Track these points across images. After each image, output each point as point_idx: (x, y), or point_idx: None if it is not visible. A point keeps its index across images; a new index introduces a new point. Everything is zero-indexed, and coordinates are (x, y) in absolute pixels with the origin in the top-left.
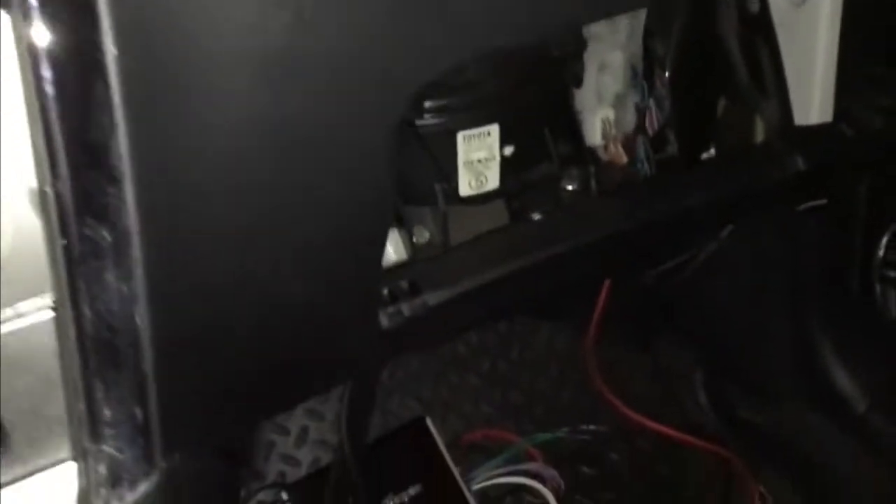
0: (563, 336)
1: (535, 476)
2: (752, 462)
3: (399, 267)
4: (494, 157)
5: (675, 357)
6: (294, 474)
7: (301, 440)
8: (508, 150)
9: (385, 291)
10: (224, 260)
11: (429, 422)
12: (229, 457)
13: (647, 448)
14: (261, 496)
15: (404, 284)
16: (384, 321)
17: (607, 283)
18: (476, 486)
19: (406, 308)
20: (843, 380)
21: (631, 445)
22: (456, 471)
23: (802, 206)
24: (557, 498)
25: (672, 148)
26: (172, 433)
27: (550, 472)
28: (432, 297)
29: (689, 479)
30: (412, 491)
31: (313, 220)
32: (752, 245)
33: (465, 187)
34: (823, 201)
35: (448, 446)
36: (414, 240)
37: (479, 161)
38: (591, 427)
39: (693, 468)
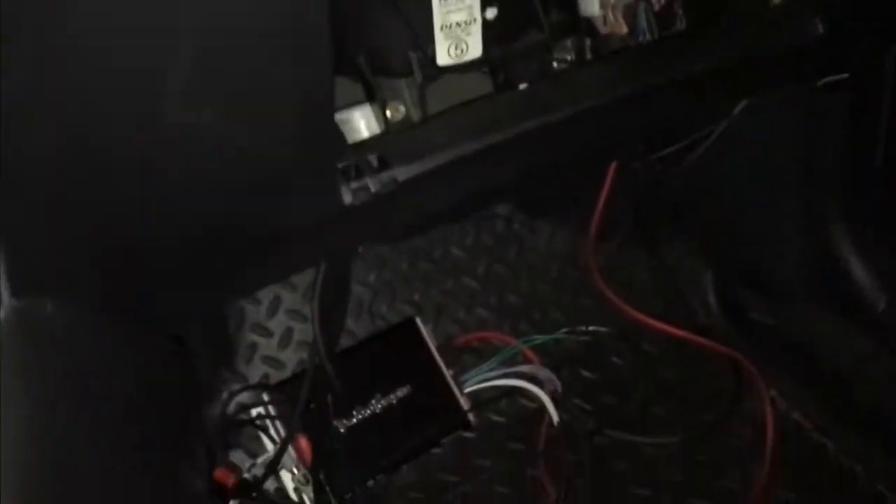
0: (563, 236)
1: (530, 378)
2: (764, 366)
3: (368, 141)
4: (475, 21)
5: (682, 256)
6: (279, 378)
7: (285, 341)
8: (491, 14)
9: (351, 166)
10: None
11: (419, 322)
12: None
13: (651, 350)
14: (241, 398)
15: (373, 159)
16: (347, 197)
17: (609, 176)
18: (468, 389)
19: (373, 183)
20: (861, 275)
21: (634, 348)
22: (447, 372)
23: (822, 82)
24: (554, 401)
25: (680, 23)
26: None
27: (547, 374)
28: (402, 172)
29: (695, 384)
30: (401, 392)
31: (240, 58)
32: (766, 127)
33: (444, 56)
34: (845, 75)
35: (439, 349)
36: (388, 115)
37: (459, 25)
38: (592, 328)
39: (700, 372)
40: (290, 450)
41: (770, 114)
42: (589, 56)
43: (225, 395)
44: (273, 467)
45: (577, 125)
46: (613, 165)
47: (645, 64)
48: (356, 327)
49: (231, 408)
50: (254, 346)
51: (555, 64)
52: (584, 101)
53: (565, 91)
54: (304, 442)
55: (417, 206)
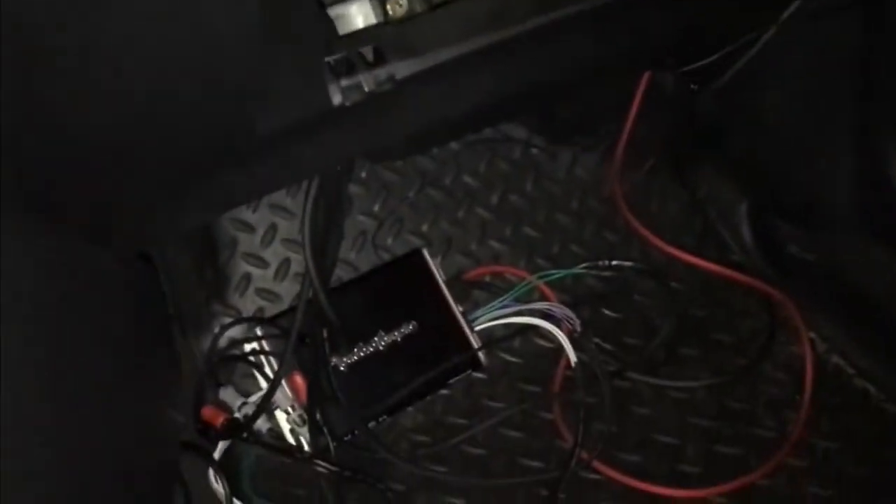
0: (585, 162)
1: (546, 316)
2: (802, 305)
3: (362, 31)
4: None
5: (714, 186)
6: (274, 311)
7: (282, 273)
8: None
9: (342, 61)
10: None
11: (426, 253)
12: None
13: (679, 288)
14: (233, 332)
15: (367, 52)
16: (336, 96)
17: (637, 96)
18: (479, 327)
19: (366, 80)
20: None
21: (660, 284)
22: (457, 308)
23: None
24: (572, 341)
25: None
26: None
27: (565, 312)
28: (402, 68)
29: (727, 324)
30: (406, 329)
31: None
32: (820, 35)
33: None
34: None
35: (448, 284)
36: (389, 11)
37: None
38: (615, 263)
39: (732, 311)
40: (286, 388)
41: (826, 18)
42: None
43: (216, 328)
44: (264, 406)
45: (600, 22)
46: (642, 84)
47: None
48: (358, 260)
49: (222, 342)
50: (248, 278)
51: None
52: None
53: None
54: (299, 380)
55: (419, 111)
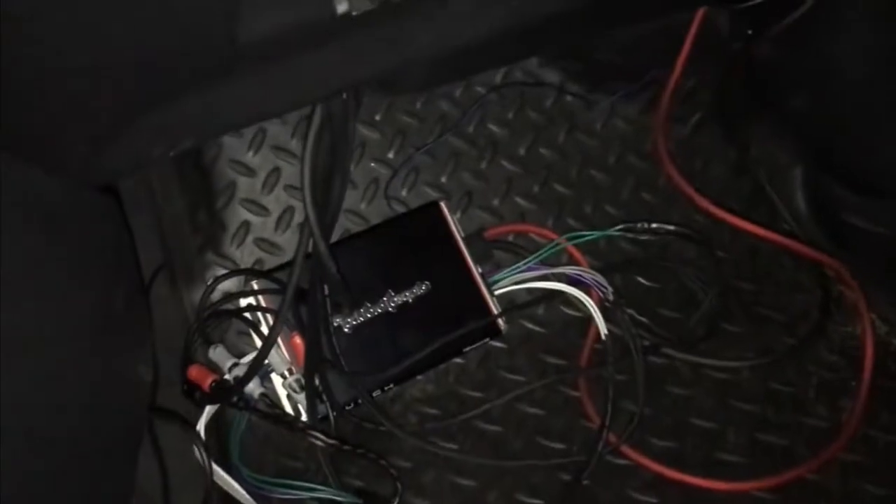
0: (626, 113)
1: (575, 282)
2: (864, 282)
3: None
4: None
5: (768, 146)
6: (274, 264)
7: (284, 222)
8: None
9: None
10: None
11: (444, 206)
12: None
13: (725, 256)
14: (227, 285)
15: None
16: (341, 2)
17: (687, 41)
18: (500, 291)
19: None
20: None
21: (704, 251)
22: (476, 269)
23: None
24: (603, 311)
25: None
26: None
27: (596, 279)
28: None
29: (777, 298)
30: (418, 290)
31: None
32: None
33: None
34: None
35: (468, 241)
36: None
37: None
38: (655, 225)
39: (783, 285)
40: (283, 350)
41: None
42: None
43: (209, 280)
44: (256, 368)
45: None
46: (695, 22)
47: None
48: (368, 211)
49: (214, 296)
50: (246, 226)
51: None
52: None
53: None
54: (298, 341)
55: (441, 28)
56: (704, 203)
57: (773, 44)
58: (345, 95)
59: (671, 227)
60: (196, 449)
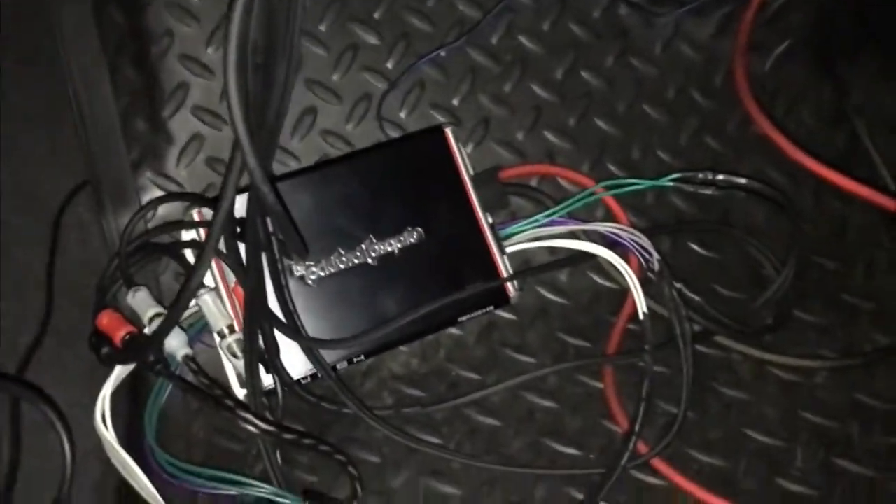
0: (694, 35)
1: (612, 244)
2: None
3: None
4: None
5: (873, 90)
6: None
7: None
8: None
9: None
10: None
11: (450, 134)
12: None
13: (807, 226)
14: (162, 211)
15: None
16: None
17: None
18: (514, 248)
19: None
20: None
21: (781, 215)
22: (485, 218)
23: None
24: (643, 282)
25: None
26: None
27: (638, 241)
28: None
29: (868, 284)
30: (407, 238)
31: None
32: None
33: None
34: None
35: (479, 181)
36: None
37: None
38: (721, 178)
39: (878, 265)
40: (224, 300)
41: None
42: None
43: (140, 204)
44: (173, 318)
45: None
46: None
47: None
48: (355, 134)
49: (147, 224)
50: (199, 140)
51: None
52: None
53: None
54: (241, 291)
55: None
56: (793, 151)
57: None
58: None
59: (742, 181)
60: (102, 421)
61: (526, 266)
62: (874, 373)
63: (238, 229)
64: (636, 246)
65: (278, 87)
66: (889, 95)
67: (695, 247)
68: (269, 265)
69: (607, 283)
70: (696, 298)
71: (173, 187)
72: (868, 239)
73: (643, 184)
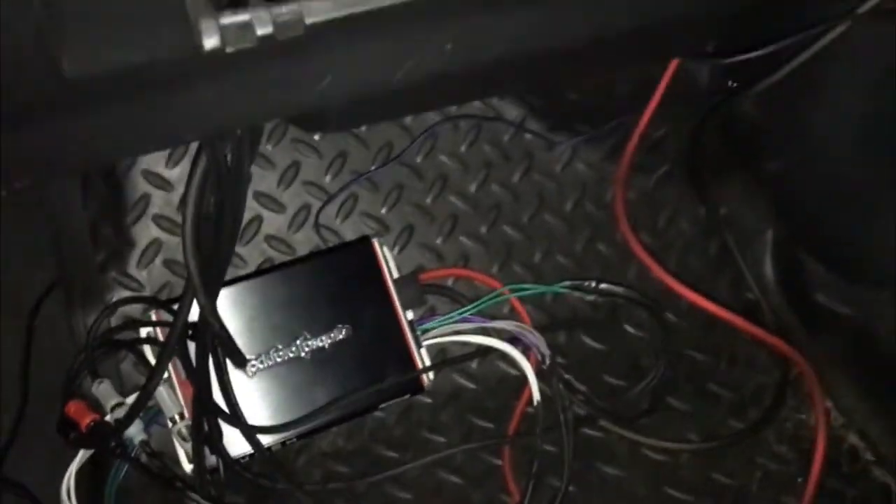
0: (588, 157)
1: (514, 340)
2: (824, 367)
3: None
4: None
5: (738, 206)
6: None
7: None
8: None
9: None
10: None
11: (376, 243)
12: None
13: (679, 324)
14: (127, 311)
15: None
16: (211, 37)
17: (661, 85)
18: (431, 341)
19: (259, 20)
20: None
21: (657, 318)
22: (404, 315)
23: None
24: (539, 374)
25: None
26: None
27: (535, 338)
28: (316, 8)
29: (730, 375)
30: (337, 334)
31: None
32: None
33: None
34: None
35: (401, 283)
36: None
37: None
38: (605, 286)
39: (739, 360)
40: (177, 391)
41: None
42: None
43: (105, 304)
44: (136, 409)
45: None
46: (670, 69)
47: None
48: (296, 240)
49: (112, 322)
50: (157, 245)
51: None
52: None
53: None
54: (189, 385)
55: (345, 71)
56: (658, 270)
57: (755, 101)
58: (238, 132)
59: (619, 290)
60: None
61: (441, 357)
62: (729, 455)
63: (191, 332)
64: (533, 343)
65: (226, 234)
66: (752, 212)
67: (587, 340)
68: (215, 367)
69: (512, 371)
70: (583, 388)
71: (135, 286)
72: (732, 335)
73: (542, 289)
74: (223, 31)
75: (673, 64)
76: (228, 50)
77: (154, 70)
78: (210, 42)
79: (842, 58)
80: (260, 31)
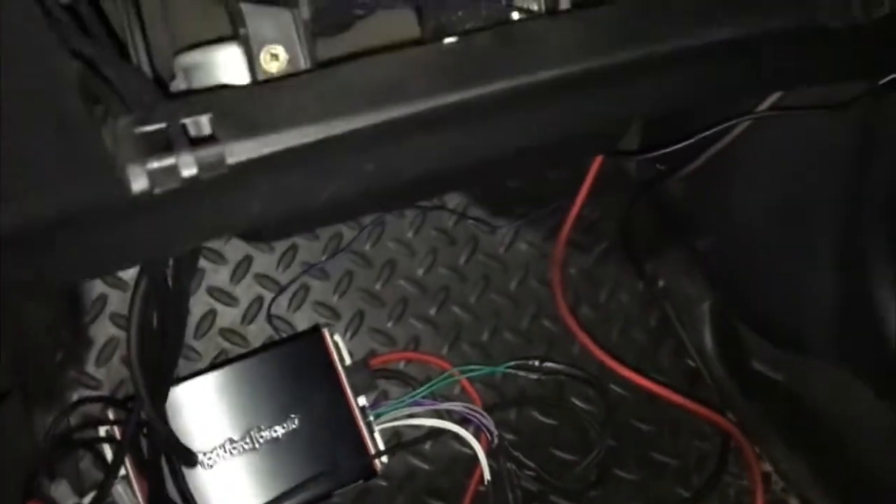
0: (529, 239)
1: (464, 420)
2: (761, 433)
3: (197, 95)
4: None
5: (675, 279)
6: None
7: None
8: None
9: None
10: None
11: (326, 333)
12: None
13: (622, 396)
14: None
15: (196, 124)
16: (139, 180)
17: (591, 172)
18: (385, 425)
19: (185, 163)
20: None
21: (600, 392)
22: (355, 402)
23: (886, 80)
24: (490, 452)
25: None
26: None
27: (484, 421)
28: (237, 149)
29: (673, 445)
30: (290, 424)
31: None
32: (802, 132)
33: None
34: None
35: (354, 369)
36: (262, 63)
37: None
38: (548, 364)
39: (681, 430)
40: (135, 488)
41: (811, 116)
42: (565, 4)
43: (63, 404)
44: None
45: (536, 102)
46: (594, 166)
47: (645, 22)
48: (249, 332)
49: (69, 422)
50: (113, 343)
51: (514, 14)
52: (550, 66)
53: (524, 50)
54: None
55: (268, 201)
56: (595, 350)
57: (681, 183)
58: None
59: (562, 367)
60: None
61: (396, 440)
62: None
63: (144, 429)
64: (482, 424)
65: (170, 345)
66: (688, 284)
67: (536, 415)
68: (167, 464)
69: (464, 450)
70: (532, 465)
71: (93, 384)
72: (673, 406)
73: (489, 369)
74: (150, 174)
75: (597, 160)
76: (156, 191)
77: (86, 213)
78: (138, 185)
79: (753, 143)
80: (185, 173)
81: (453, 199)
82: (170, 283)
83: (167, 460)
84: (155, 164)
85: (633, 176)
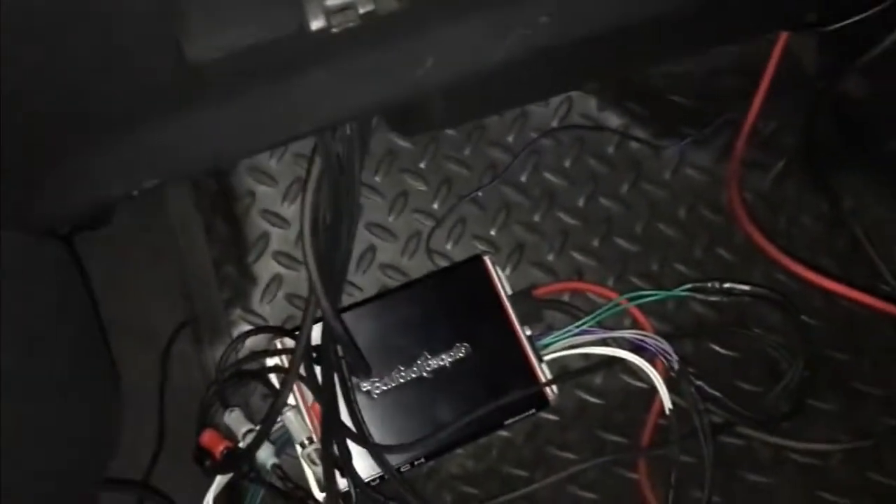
0: (698, 160)
1: (637, 349)
2: None
3: None
4: None
5: (864, 196)
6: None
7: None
8: None
9: None
10: None
11: (488, 261)
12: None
13: (814, 323)
14: (251, 342)
15: None
16: (316, 17)
17: (766, 77)
18: (551, 356)
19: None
20: None
21: (789, 317)
22: (523, 331)
23: None
24: (668, 382)
25: None
26: None
27: (661, 345)
28: None
29: (875, 372)
30: (456, 353)
31: None
32: None
33: None
34: None
35: (516, 300)
36: None
37: None
38: (728, 285)
39: (883, 356)
40: (304, 416)
41: None
42: None
43: (232, 338)
44: (264, 434)
45: None
46: (775, 53)
47: None
48: (409, 266)
49: (239, 355)
50: (278, 280)
51: None
52: None
53: None
54: (318, 407)
55: (448, 50)
56: (791, 264)
57: (865, 76)
58: (348, 130)
59: (747, 288)
60: None
61: (563, 372)
62: (884, 453)
63: (314, 355)
64: (659, 349)
65: (343, 242)
66: (879, 200)
67: (715, 347)
68: (341, 385)
69: (638, 384)
70: (717, 394)
71: (259, 321)
72: (873, 330)
73: (661, 294)
74: (327, 10)
75: (776, 52)
76: (334, 30)
77: (267, 56)
78: (316, 23)
79: None
80: (362, 9)
81: (612, 120)
82: (342, 165)
83: (339, 380)
84: (332, 2)
85: (810, 77)
